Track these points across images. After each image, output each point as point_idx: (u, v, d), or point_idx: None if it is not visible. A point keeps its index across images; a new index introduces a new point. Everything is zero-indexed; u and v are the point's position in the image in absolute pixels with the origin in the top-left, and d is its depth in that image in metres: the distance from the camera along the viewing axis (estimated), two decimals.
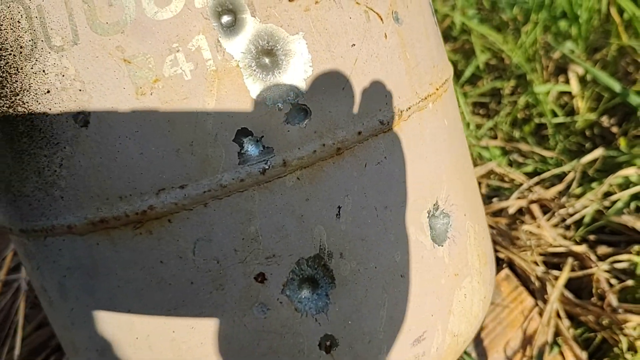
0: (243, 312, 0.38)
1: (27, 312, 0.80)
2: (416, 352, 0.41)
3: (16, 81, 0.34)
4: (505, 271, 0.73)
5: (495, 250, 0.80)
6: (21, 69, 0.33)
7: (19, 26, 0.33)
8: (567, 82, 1.07)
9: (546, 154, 0.94)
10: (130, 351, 0.40)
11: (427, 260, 0.40)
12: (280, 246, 0.37)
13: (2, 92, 0.35)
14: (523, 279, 0.76)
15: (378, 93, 0.37)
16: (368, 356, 0.40)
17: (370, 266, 0.38)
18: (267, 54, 0.35)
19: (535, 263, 0.78)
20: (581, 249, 0.78)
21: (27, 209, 0.38)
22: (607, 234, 0.85)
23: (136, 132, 0.34)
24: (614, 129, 1.01)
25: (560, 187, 0.87)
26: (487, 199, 0.92)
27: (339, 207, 0.37)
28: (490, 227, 0.83)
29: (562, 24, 1.13)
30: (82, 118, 0.34)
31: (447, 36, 1.25)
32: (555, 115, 1.03)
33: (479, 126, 1.04)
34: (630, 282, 0.74)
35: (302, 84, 0.35)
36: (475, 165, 0.95)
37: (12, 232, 0.41)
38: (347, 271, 0.38)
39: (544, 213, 0.87)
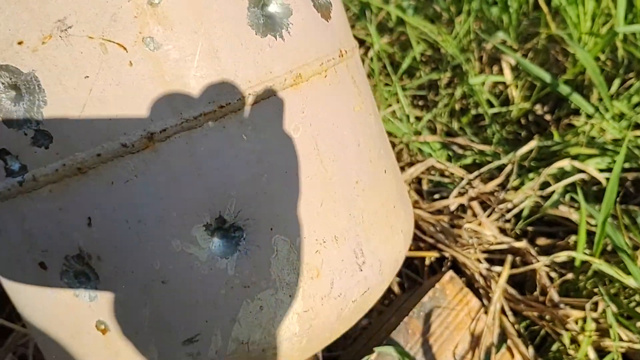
0: (41, 290, 0.43)
1: None
2: (189, 351, 0.43)
3: None
4: (450, 273, 0.71)
5: (439, 249, 0.80)
6: None
7: None
8: (501, 70, 1.07)
9: (483, 147, 0.93)
10: None
11: (198, 270, 0.41)
12: (49, 243, 0.41)
13: None
14: (468, 277, 0.76)
15: (122, 118, 0.38)
16: (139, 345, 0.43)
17: (127, 270, 0.41)
18: (13, 88, 0.37)
19: (479, 260, 0.77)
20: (521, 244, 0.77)
21: None
22: (545, 224, 0.86)
23: None
24: (548, 117, 1.03)
25: (498, 180, 0.87)
26: (428, 195, 0.90)
27: (89, 218, 0.40)
28: (432, 225, 0.82)
29: (494, 12, 1.13)
30: None
31: (383, 28, 1.19)
32: (491, 105, 1.03)
33: (418, 118, 1.01)
34: (570, 276, 0.74)
35: (41, 113, 0.37)
36: (416, 160, 0.93)
37: None
38: (107, 271, 0.41)
39: (484, 209, 0.86)
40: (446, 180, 0.91)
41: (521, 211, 0.85)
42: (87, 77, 0.37)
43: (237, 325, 0.43)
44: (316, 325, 0.46)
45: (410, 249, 0.82)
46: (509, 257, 0.77)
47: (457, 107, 1.03)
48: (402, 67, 1.07)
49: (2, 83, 0.38)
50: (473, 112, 1.01)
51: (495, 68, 1.08)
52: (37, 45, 0.36)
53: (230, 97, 0.39)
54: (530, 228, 0.85)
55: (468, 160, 0.93)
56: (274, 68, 0.41)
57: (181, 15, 0.38)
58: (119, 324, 0.43)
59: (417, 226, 0.82)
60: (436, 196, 0.89)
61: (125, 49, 0.37)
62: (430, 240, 0.81)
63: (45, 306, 0.44)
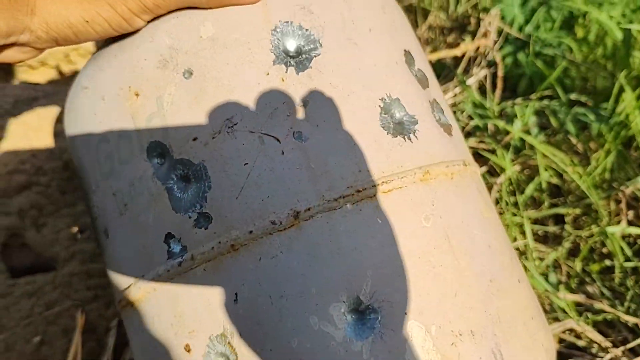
0: None
1: None
2: None
3: None
4: None
5: None
6: None
7: None
8: (637, 216, 0.98)
9: (630, 319, 0.82)
10: None
11: (334, 351, 0.41)
12: (196, 324, 0.44)
13: None
14: None
15: (273, 199, 0.43)
16: None
17: (266, 348, 0.41)
18: (183, 179, 0.45)
19: None
20: None
21: None
22: None
23: (124, 240, 0.49)
24: None
25: None
26: (560, 357, 0.82)
27: (236, 294, 0.42)
28: None
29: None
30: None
31: (506, 147, 1.11)
32: (622, 251, 0.92)
33: (540, 256, 0.95)
34: None
35: (205, 198, 0.44)
36: (544, 311, 0.86)
37: None
38: (247, 350, 0.42)
39: None
40: (580, 342, 0.82)
41: None
42: (246, 163, 0.43)
43: None
44: None
45: None
46: None
47: (586, 248, 0.94)
48: (526, 193, 1.01)
49: (175, 175, 0.45)
50: (607, 263, 0.92)
51: (631, 213, 1.00)
52: (207, 140, 0.44)
53: (366, 183, 0.44)
54: None
55: (599, 317, 0.84)
56: (405, 163, 0.45)
57: (324, 116, 0.44)
58: None
59: None
60: None
61: (278, 140, 0.43)
62: None
63: None
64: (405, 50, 0.52)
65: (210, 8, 0.45)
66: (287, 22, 0.46)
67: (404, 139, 0.46)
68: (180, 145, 0.44)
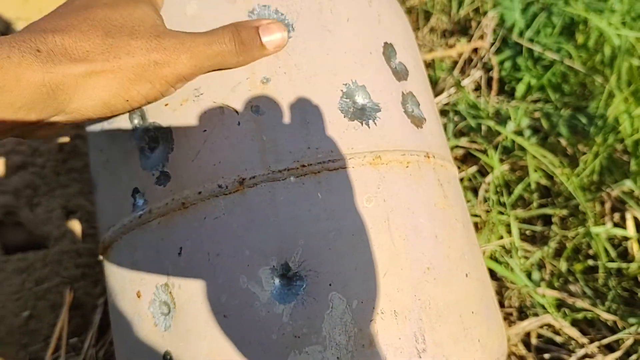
0: (132, 317, 0.50)
1: None
2: None
3: None
4: None
5: None
6: None
7: None
8: (622, 218, 0.99)
9: (608, 317, 0.84)
10: None
11: (257, 310, 0.44)
12: (147, 273, 0.49)
13: None
14: None
15: (223, 164, 0.46)
16: None
17: (198, 300, 0.45)
18: (153, 140, 0.49)
19: None
20: None
21: None
22: None
23: (103, 192, 0.55)
24: None
25: (619, 353, 0.80)
26: (537, 352, 0.84)
27: (181, 248, 0.46)
28: None
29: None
30: None
31: (497, 147, 1.12)
32: (607, 253, 0.94)
33: (526, 254, 0.96)
34: None
35: (167, 158, 0.48)
36: (523, 305, 0.88)
37: None
38: (183, 300, 0.46)
39: None
40: (558, 338, 0.83)
41: None
42: (205, 130, 0.47)
43: None
44: None
45: None
46: None
47: (570, 247, 0.94)
48: (515, 193, 1.02)
49: (148, 136, 0.49)
50: (590, 263, 0.93)
51: (617, 215, 1.00)
52: (176, 107, 0.48)
53: (312, 159, 0.46)
54: None
55: (579, 315, 0.85)
56: (356, 146, 0.47)
57: (284, 93, 0.47)
58: (182, 354, 0.46)
59: None
60: (546, 356, 0.82)
61: (237, 112, 0.47)
62: None
63: (131, 334, 0.50)
64: (385, 43, 0.53)
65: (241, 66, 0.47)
66: (265, 5, 0.49)
67: (362, 123, 0.48)
68: (155, 110, 0.49)
